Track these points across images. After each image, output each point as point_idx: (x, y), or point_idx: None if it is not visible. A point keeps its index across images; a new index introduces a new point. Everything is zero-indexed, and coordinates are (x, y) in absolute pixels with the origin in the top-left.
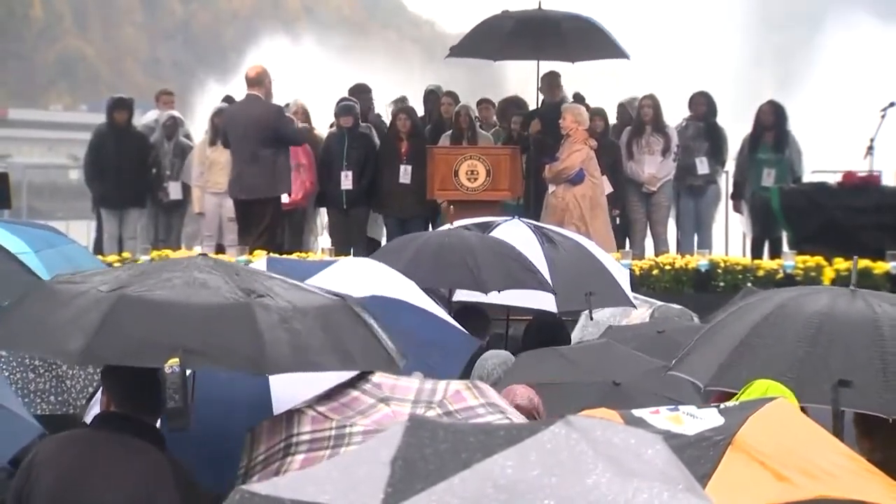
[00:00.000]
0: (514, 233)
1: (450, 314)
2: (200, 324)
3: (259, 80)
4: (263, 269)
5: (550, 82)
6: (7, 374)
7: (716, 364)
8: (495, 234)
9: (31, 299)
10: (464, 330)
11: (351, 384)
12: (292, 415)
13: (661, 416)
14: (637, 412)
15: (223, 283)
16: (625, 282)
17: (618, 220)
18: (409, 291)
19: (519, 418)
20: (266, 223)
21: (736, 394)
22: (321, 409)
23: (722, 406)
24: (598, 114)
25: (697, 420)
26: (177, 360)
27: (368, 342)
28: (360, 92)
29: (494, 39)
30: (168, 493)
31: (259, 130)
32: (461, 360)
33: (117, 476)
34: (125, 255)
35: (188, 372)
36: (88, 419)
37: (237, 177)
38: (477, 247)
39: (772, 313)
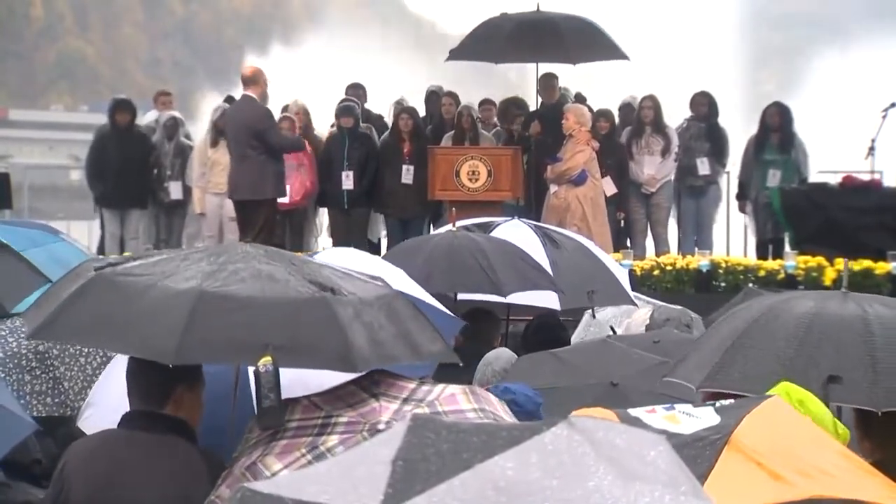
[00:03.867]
0: (516, 233)
1: (455, 313)
2: (284, 320)
3: (253, 80)
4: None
5: (547, 84)
6: (2, 375)
7: (708, 366)
8: (496, 234)
9: (91, 292)
10: (449, 312)
11: (353, 380)
12: (287, 403)
13: (657, 416)
14: (633, 411)
15: (288, 275)
16: (625, 281)
17: (622, 223)
18: (393, 276)
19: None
20: (259, 225)
21: (724, 393)
22: (316, 399)
23: (718, 404)
24: (603, 115)
25: (694, 419)
26: (269, 358)
27: (428, 331)
28: (354, 89)
29: (494, 42)
30: (204, 487)
31: (247, 132)
32: (447, 339)
33: (152, 479)
34: (126, 255)
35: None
36: (81, 421)
37: (230, 177)
38: (487, 248)
39: (762, 315)
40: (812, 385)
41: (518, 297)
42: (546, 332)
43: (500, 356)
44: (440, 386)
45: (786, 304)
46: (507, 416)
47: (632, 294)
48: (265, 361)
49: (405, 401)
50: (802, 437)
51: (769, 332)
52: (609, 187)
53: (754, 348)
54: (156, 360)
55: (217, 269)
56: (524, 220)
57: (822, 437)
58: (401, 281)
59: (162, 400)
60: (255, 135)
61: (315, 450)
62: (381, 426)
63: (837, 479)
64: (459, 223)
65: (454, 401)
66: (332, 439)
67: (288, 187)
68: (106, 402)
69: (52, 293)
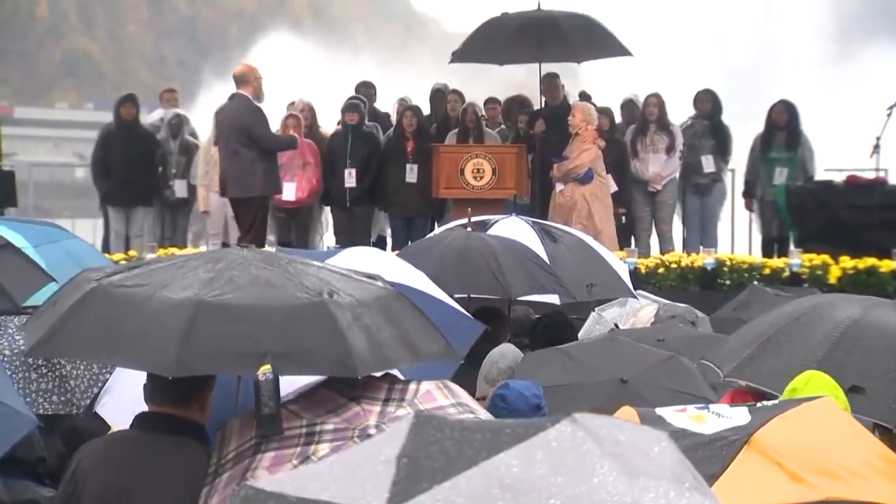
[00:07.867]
0: (514, 229)
1: (467, 311)
2: (282, 327)
3: (244, 79)
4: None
5: (549, 83)
6: (9, 373)
7: (739, 356)
8: (494, 231)
9: (89, 306)
10: (468, 314)
11: (323, 383)
12: None
13: (683, 415)
14: (659, 410)
15: (286, 279)
16: (624, 275)
17: (623, 220)
18: (415, 277)
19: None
20: (249, 223)
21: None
22: (293, 407)
23: (758, 405)
24: (603, 112)
25: (722, 419)
26: (269, 367)
27: (428, 331)
28: (365, 87)
29: (497, 43)
30: None
31: (237, 129)
32: (466, 343)
33: (164, 481)
34: (131, 252)
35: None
36: (100, 407)
37: (220, 175)
38: (498, 250)
39: (805, 314)
40: None
41: None
42: (555, 330)
43: (505, 354)
44: (413, 383)
45: (832, 305)
46: (476, 406)
47: (634, 291)
48: (265, 370)
49: (385, 401)
50: (838, 437)
51: (808, 331)
52: (610, 185)
53: (788, 345)
54: (155, 373)
55: (214, 276)
56: (521, 216)
57: (861, 437)
58: (423, 283)
59: (188, 400)
60: (243, 131)
61: (307, 460)
62: (371, 430)
63: (868, 480)
64: (456, 222)
65: (431, 397)
66: (323, 448)
67: (294, 185)
68: (125, 390)
69: (52, 304)
